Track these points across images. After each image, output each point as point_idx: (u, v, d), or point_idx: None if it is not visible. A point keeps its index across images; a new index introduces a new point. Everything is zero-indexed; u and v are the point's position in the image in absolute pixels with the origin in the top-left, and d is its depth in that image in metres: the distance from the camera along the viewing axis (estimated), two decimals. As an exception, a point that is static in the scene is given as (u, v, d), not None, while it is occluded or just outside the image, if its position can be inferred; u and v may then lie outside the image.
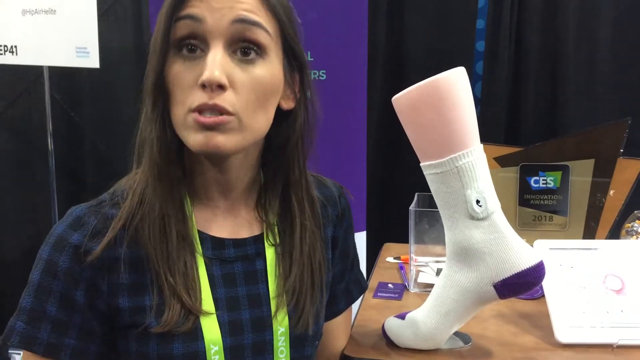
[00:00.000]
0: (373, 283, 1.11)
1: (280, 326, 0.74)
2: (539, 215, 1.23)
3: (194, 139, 0.67)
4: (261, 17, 0.68)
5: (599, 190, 1.20)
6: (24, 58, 2.24)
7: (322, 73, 2.05)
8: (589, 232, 1.22)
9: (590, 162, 1.20)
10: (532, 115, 2.63)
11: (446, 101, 0.75)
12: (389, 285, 1.09)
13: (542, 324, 0.90)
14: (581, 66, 2.55)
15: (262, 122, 0.71)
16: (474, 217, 0.77)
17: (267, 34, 0.68)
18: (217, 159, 0.73)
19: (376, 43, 2.66)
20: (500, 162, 1.24)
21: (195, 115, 0.66)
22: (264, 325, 0.74)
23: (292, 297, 0.75)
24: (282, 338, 0.74)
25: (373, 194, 2.46)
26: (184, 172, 0.75)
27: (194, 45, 0.67)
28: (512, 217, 1.24)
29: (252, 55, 0.68)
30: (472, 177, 0.76)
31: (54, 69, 2.32)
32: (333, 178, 0.89)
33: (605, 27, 2.51)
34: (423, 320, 0.82)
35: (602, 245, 0.92)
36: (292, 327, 0.74)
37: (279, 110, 0.74)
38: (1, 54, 2.28)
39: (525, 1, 2.59)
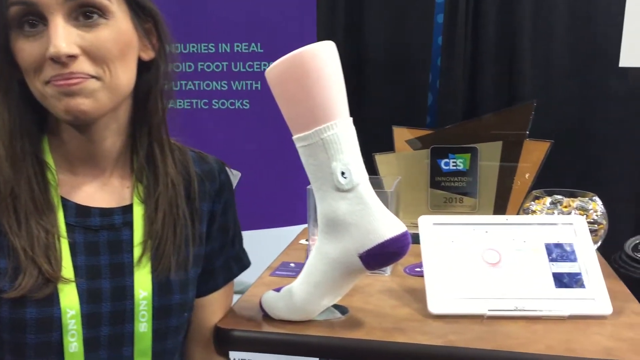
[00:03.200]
0: (276, 263, 1.12)
1: (143, 290, 0.75)
2: (450, 197, 1.25)
3: (58, 108, 0.70)
4: None
5: (507, 172, 1.22)
6: None
7: (273, 65, 2.06)
8: (499, 213, 1.24)
9: (498, 145, 1.22)
10: (489, 108, 2.65)
11: (311, 74, 0.76)
12: (291, 264, 1.11)
13: (424, 298, 0.91)
14: (538, 61, 2.57)
15: (125, 77, 0.73)
16: (339, 189, 0.78)
17: None
18: (85, 125, 0.74)
19: (334, 39, 2.67)
20: (411, 144, 1.25)
21: (53, 82, 0.68)
22: (125, 295, 0.75)
23: (155, 241, 0.77)
24: (144, 303, 0.75)
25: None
26: (50, 139, 0.76)
27: (34, 20, 0.68)
28: (424, 198, 1.26)
29: (95, 17, 0.69)
30: (338, 149, 0.77)
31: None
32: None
33: (561, 21, 2.53)
34: (294, 292, 0.83)
35: (483, 220, 0.93)
36: (153, 270, 0.76)
37: (140, 62, 0.76)
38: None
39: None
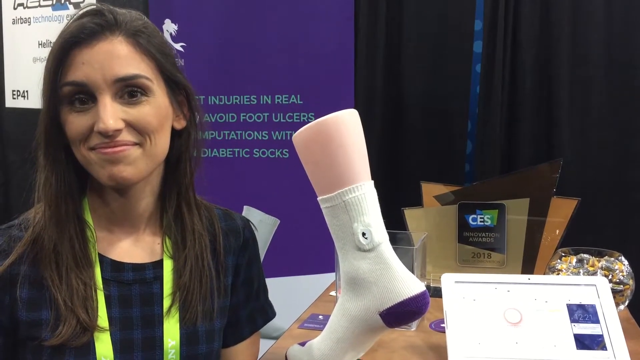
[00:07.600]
0: (306, 315, 1.15)
1: (172, 339, 0.80)
2: (478, 252, 1.26)
3: (102, 174, 0.77)
4: (138, 64, 0.76)
5: (535, 228, 1.23)
6: (35, 102, 2.43)
7: (311, 116, 2.13)
8: (527, 270, 1.24)
9: (526, 201, 1.23)
10: (526, 156, 2.64)
11: (334, 140, 0.81)
12: (320, 317, 1.14)
13: (446, 356, 0.93)
14: (576, 109, 2.56)
15: (162, 146, 0.81)
16: (360, 249, 0.82)
17: (146, 80, 0.77)
18: (124, 188, 0.81)
19: (373, 89, 2.74)
20: (440, 200, 1.28)
21: (98, 149, 0.76)
22: (155, 345, 0.80)
23: (182, 292, 0.82)
24: (173, 352, 0.80)
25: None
26: (91, 199, 0.83)
27: (84, 98, 0.76)
28: (452, 253, 1.28)
29: (139, 96, 0.77)
30: (359, 211, 0.81)
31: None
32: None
33: (598, 69, 2.52)
34: (317, 346, 0.86)
35: (505, 280, 0.95)
36: (181, 320, 0.81)
37: (172, 130, 0.83)
38: (15, 98, 2.48)
39: (519, 47, 2.63)
